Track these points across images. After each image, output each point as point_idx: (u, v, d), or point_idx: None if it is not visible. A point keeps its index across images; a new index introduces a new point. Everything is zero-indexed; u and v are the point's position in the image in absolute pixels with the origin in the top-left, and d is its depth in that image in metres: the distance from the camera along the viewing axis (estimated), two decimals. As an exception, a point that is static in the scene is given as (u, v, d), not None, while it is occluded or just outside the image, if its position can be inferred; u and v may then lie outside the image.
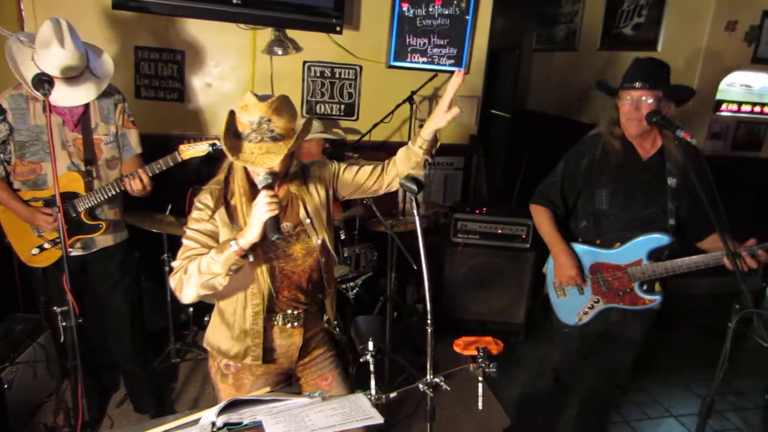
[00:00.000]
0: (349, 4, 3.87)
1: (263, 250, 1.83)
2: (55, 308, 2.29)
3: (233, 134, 1.73)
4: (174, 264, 1.79)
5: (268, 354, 1.97)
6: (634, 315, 2.53)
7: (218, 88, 3.99)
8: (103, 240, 2.73)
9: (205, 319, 3.72)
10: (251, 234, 1.65)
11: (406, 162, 1.92)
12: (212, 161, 3.25)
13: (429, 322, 1.81)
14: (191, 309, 3.66)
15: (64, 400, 2.95)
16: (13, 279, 3.10)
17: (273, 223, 1.63)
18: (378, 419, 1.45)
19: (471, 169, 4.57)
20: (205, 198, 1.83)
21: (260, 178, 1.72)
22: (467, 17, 4.16)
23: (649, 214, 2.42)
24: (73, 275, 2.25)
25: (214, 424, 1.43)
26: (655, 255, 2.40)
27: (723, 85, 4.87)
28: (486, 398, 3.16)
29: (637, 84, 2.28)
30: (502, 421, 3.25)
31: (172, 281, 1.77)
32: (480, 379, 1.88)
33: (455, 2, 4.13)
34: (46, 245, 2.60)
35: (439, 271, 4.11)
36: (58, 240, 2.56)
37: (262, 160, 1.68)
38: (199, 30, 3.83)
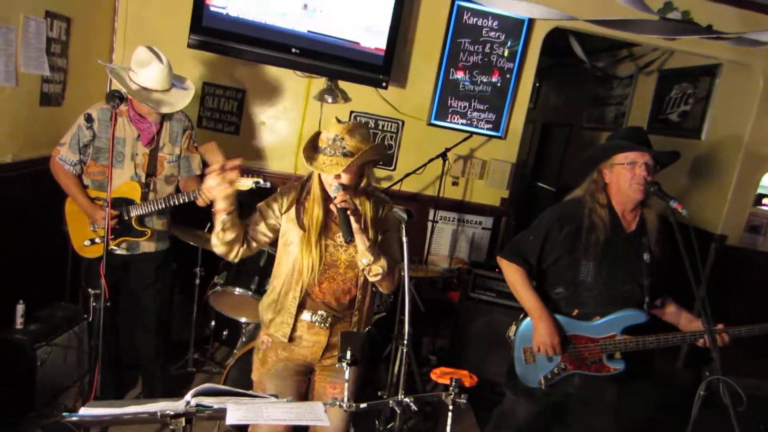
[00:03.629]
0: (398, 64, 4.18)
1: (318, 248, 2.11)
2: (89, 289, 2.60)
3: (312, 147, 2.09)
4: None
5: (294, 339, 2.20)
6: (597, 379, 2.50)
7: (270, 126, 4.37)
8: (146, 245, 3.06)
9: (224, 333, 3.96)
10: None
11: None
12: (254, 194, 3.59)
13: (405, 342, 1.97)
14: (213, 323, 3.89)
15: (86, 390, 3.16)
16: (64, 269, 3.43)
17: (345, 222, 1.96)
18: (325, 422, 1.61)
19: (499, 231, 4.70)
20: (284, 194, 2.21)
21: (333, 187, 2.04)
22: (509, 87, 4.36)
23: (627, 289, 2.41)
24: (113, 271, 2.58)
25: (188, 402, 1.64)
26: (629, 330, 2.41)
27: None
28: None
29: (644, 148, 2.31)
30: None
31: None
32: (450, 408, 2.01)
33: (506, 74, 4.36)
34: (97, 239, 2.94)
35: (456, 325, 4.20)
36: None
37: (329, 168, 2.01)
38: (261, 73, 4.24)
